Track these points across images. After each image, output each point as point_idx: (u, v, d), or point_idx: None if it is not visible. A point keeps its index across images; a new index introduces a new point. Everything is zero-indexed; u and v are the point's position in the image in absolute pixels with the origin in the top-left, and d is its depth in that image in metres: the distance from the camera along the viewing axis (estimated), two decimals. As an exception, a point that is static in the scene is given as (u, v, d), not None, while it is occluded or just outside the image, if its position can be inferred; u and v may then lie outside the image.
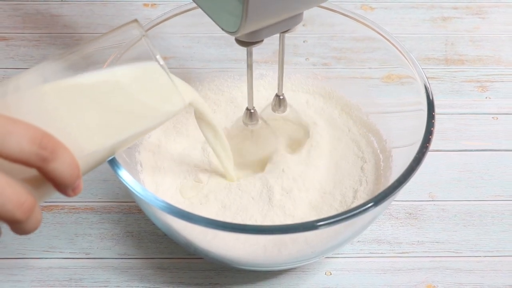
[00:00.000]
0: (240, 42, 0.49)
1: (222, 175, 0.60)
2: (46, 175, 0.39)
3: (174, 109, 0.47)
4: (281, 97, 0.61)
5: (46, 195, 0.43)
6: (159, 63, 0.44)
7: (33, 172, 0.39)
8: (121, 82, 0.44)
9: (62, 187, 0.40)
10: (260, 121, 0.60)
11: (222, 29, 0.45)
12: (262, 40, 0.49)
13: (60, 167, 0.39)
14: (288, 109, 0.62)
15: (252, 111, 0.59)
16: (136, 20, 0.45)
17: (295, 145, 0.63)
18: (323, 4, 0.62)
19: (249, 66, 0.54)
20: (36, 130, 0.38)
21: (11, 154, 0.37)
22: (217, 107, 0.67)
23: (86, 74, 0.43)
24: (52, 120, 0.41)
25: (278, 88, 0.60)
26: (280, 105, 0.61)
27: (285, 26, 0.50)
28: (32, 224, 0.40)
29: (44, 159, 0.38)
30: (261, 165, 0.62)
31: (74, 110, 0.42)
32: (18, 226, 0.39)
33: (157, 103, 0.45)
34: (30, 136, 0.38)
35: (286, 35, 0.53)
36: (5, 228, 0.40)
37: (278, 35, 0.53)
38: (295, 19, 0.49)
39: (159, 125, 0.47)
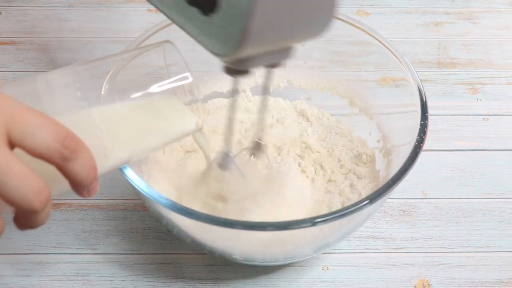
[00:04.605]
0: (228, 70, 0.46)
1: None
2: (64, 174, 0.39)
3: (190, 129, 0.52)
4: (261, 143, 0.56)
5: (60, 191, 0.43)
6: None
7: (52, 167, 0.39)
8: (154, 108, 0.49)
9: (78, 187, 0.40)
10: (234, 167, 0.55)
11: (213, 52, 0.42)
12: (248, 71, 0.46)
13: (78, 168, 0.39)
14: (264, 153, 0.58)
15: (229, 154, 0.54)
16: (168, 41, 0.50)
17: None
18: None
19: (234, 99, 0.51)
20: (61, 128, 0.38)
21: (35, 149, 0.37)
22: (219, 107, 0.68)
23: (124, 100, 0.48)
24: (86, 124, 0.44)
25: (257, 131, 0.56)
26: (259, 150, 0.57)
27: (276, 58, 0.47)
28: (43, 216, 0.39)
29: (64, 158, 0.38)
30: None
31: (109, 125, 0.45)
32: (31, 217, 0.39)
33: (178, 124, 0.51)
34: (56, 133, 0.38)
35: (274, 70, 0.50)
36: (9, 226, 0.40)
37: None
38: (287, 52, 0.46)
39: (175, 141, 0.53)
